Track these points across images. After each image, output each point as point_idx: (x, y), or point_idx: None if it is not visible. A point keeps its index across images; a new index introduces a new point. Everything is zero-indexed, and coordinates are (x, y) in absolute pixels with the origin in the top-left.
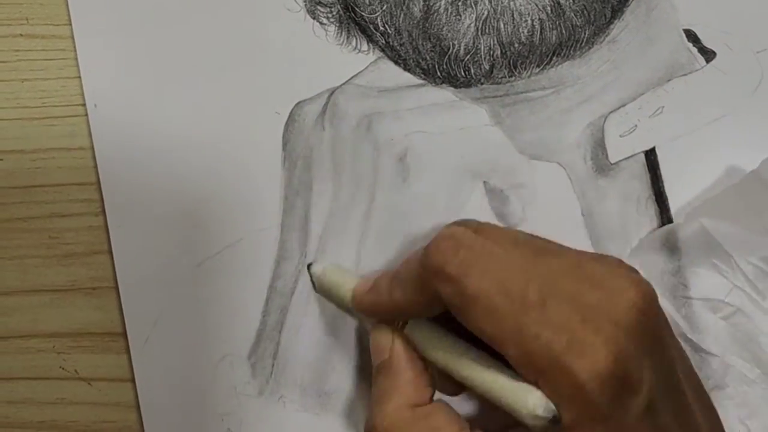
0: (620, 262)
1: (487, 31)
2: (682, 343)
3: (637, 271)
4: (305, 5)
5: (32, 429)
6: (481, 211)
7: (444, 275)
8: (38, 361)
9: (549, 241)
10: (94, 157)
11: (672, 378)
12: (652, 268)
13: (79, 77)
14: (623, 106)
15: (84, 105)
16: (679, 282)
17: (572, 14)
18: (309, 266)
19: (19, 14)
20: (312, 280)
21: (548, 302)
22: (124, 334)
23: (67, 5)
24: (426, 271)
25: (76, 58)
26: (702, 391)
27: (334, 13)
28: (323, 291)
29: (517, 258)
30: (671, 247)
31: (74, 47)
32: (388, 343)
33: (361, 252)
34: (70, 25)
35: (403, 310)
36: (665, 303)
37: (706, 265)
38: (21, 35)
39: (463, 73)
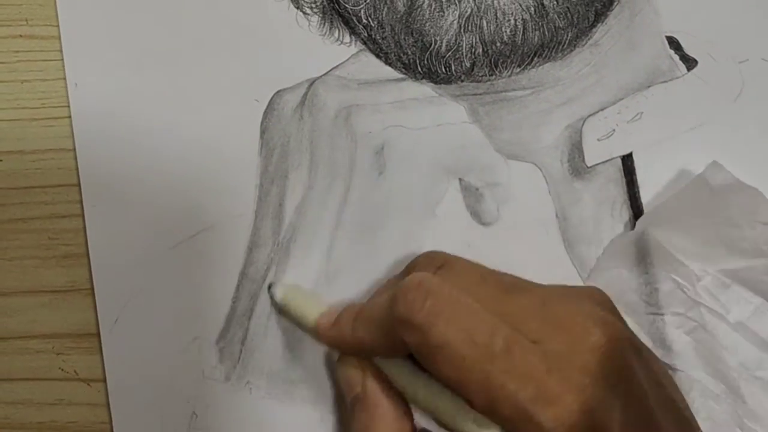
0: (589, 294)
1: (469, 28)
2: None
3: (604, 304)
4: None
5: (32, 430)
6: (456, 208)
7: (410, 325)
8: (37, 362)
9: (516, 278)
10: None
11: (644, 411)
12: (616, 283)
13: None
14: (602, 109)
15: None
16: (641, 299)
17: (555, 16)
18: (269, 287)
19: (18, 15)
20: (272, 303)
21: (514, 350)
22: None
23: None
24: (393, 319)
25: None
26: (681, 409)
27: (318, 3)
28: (286, 315)
29: (484, 298)
30: (634, 260)
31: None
32: (359, 377)
33: (333, 243)
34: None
35: (368, 350)
36: (629, 320)
37: (667, 280)
38: (20, 36)
39: (443, 70)
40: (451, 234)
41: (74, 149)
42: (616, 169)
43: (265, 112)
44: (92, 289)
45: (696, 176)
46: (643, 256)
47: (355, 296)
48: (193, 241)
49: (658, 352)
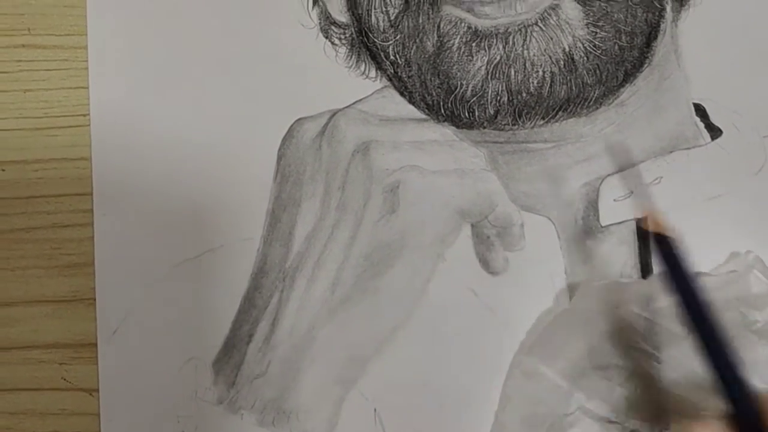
0: None
1: (497, 75)
2: (581, 416)
3: None
4: (319, 23)
5: None
6: (465, 254)
7: None
8: (40, 372)
9: None
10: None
11: None
12: (550, 352)
13: (82, 88)
14: (622, 170)
15: (86, 116)
16: (573, 363)
17: (584, 72)
18: None
19: (21, 24)
20: None
21: None
22: None
23: (66, 15)
24: None
25: (86, 60)
26: None
27: (347, 35)
28: None
29: None
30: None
31: (86, 55)
32: None
33: (340, 276)
34: (86, 35)
35: None
36: (563, 382)
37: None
38: (23, 46)
39: (467, 114)
40: (458, 279)
41: (76, 159)
42: (630, 232)
43: (284, 139)
44: (96, 298)
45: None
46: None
47: (354, 331)
48: (198, 261)
49: (596, 405)
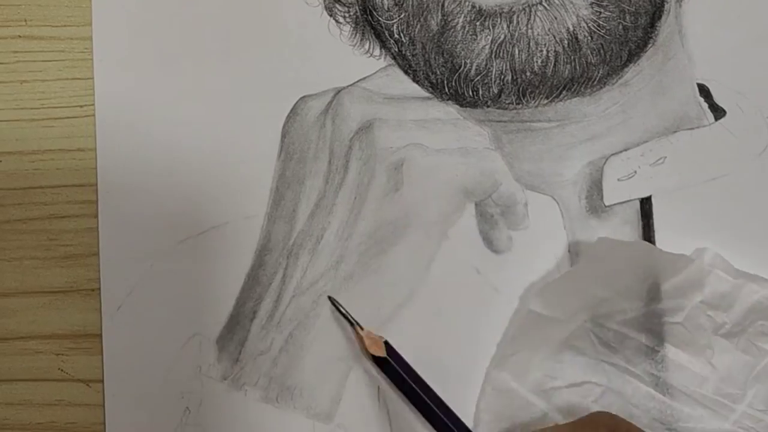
0: (598, 423)
1: (500, 55)
2: None
3: (617, 427)
4: (324, 1)
5: (31, 431)
6: (469, 233)
7: None
8: (37, 363)
9: None
10: (94, 159)
11: None
12: (522, 367)
13: (78, 78)
14: (626, 150)
15: (83, 106)
16: (547, 376)
17: (588, 51)
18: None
19: (17, 16)
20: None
21: None
22: None
23: (63, 6)
24: None
25: (83, 51)
26: None
27: (352, 13)
28: None
29: None
30: (534, 340)
31: (83, 45)
32: None
33: (343, 254)
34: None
35: None
36: (534, 399)
37: (565, 349)
38: (19, 36)
39: (471, 93)
40: (462, 257)
41: (72, 150)
42: (634, 211)
43: (288, 117)
44: (93, 289)
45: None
46: (540, 334)
47: (358, 309)
48: (202, 237)
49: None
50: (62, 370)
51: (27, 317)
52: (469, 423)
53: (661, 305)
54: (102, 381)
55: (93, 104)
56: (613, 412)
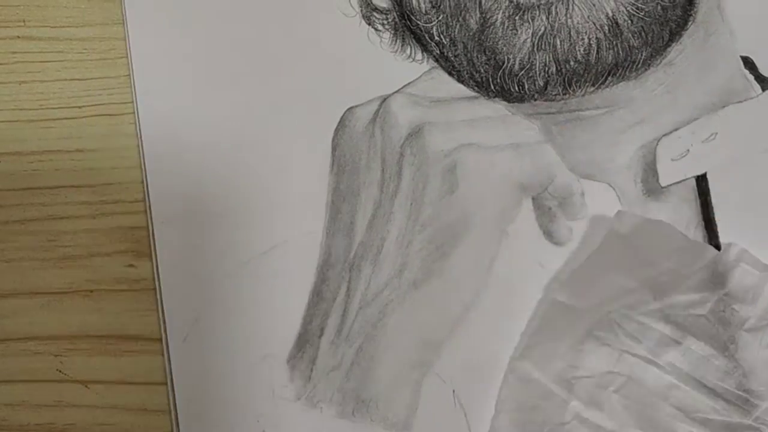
0: None
1: (543, 47)
2: (578, 425)
3: None
4: (361, 11)
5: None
6: (529, 228)
7: None
8: (36, 364)
9: None
10: (94, 159)
11: None
12: (549, 358)
13: (77, 79)
14: (676, 129)
15: (81, 107)
16: (568, 364)
17: (630, 35)
18: None
19: (16, 16)
20: None
21: None
22: (122, 337)
23: (62, 7)
24: None
25: (81, 52)
26: None
27: (390, 20)
28: None
29: None
30: (559, 330)
31: (81, 46)
32: None
33: (406, 262)
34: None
35: None
36: (557, 388)
37: (589, 338)
38: (18, 37)
39: (516, 88)
40: (524, 253)
41: (71, 151)
42: (690, 190)
43: (337, 129)
44: (92, 290)
45: (606, 233)
46: (564, 324)
47: (425, 315)
48: (265, 257)
49: (588, 415)
50: (61, 372)
51: (25, 318)
52: (490, 412)
53: (686, 297)
54: (101, 382)
55: (92, 105)
56: (633, 403)
